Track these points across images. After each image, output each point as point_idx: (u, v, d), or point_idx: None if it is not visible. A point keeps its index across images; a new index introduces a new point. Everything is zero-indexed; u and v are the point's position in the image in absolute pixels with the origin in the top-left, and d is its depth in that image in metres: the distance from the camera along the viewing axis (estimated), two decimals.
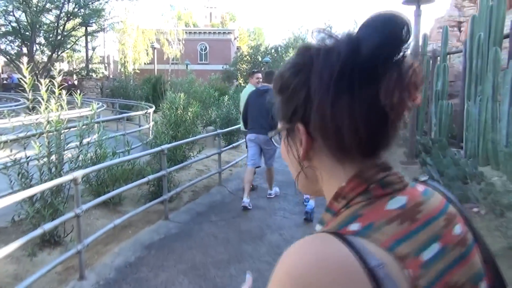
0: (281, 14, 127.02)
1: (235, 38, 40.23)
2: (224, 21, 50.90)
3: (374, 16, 0.55)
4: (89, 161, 4.77)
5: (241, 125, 6.26)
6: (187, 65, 28.83)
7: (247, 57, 33.65)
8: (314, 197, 4.94)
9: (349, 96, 0.53)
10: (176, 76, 17.65)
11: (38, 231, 2.78)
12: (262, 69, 33.05)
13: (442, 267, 0.52)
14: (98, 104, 11.48)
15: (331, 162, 0.59)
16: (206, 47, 38.07)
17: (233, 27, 41.42)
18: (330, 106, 0.54)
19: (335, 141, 0.56)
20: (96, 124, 5.29)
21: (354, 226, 0.52)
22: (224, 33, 37.21)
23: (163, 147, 4.68)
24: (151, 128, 8.54)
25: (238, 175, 7.17)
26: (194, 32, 37.51)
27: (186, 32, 33.15)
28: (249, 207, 5.31)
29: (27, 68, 3.86)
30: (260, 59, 32.17)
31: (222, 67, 32.54)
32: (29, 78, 3.80)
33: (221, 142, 7.22)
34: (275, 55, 32.02)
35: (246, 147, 6.32)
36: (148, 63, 29.16)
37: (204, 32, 37.96)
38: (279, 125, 0.65)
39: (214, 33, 37.54)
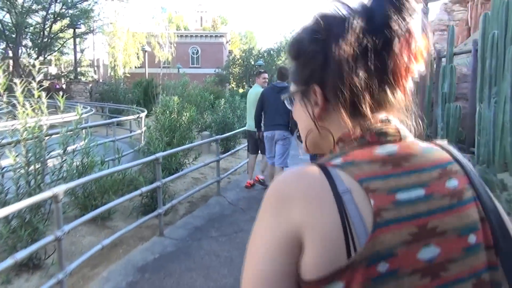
0: (272, 18, 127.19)
1: (227, 42, 39.80)
2: (215, 25, 50.44)
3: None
4: (74, 172, 4.27)
5: (247, 126, 6.38)
6: (178, 68, 28.34)
7: (240, 60, 33.25)
8: None
9: (364, 61, 0.61)
10: (165, 80, 17.17)
11: (9, 262, 2.28)
12: (262, 70, 32.50)
13: (421, 210, 0.57)
14: (86, 108, 10.95)
15: (340, 120, 0.65)
16: (198, 51, 37.55)
17: (225, 30, 40.99)
18: (348, 70, 0.61)
19: (349, 101, 0.63)
20: (83, 130, 4.80)
21: (337, 161, 0.61)
22: (216, 36, 36.74)
23: (157, 155, 4.20)
24: (143, 134, 8.03)
25: (237, 184, 6.70)
26: (186, 35, 36.99)
27: (177, 35, 32.62)
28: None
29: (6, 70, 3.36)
30: (252, 63, 31.80)
31: (214, 71, 32.05)
32: (3, 78, 3.30)
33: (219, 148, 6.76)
34: (268, 58, 31.68)
35: (248, 150, 6.57)
36: (139, 67, 28.57)
37: (196, 36, 37.47)
38: (293, 88, 0.73)
39: (206, 36, 37.06)
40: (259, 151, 6.28)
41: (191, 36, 37.34)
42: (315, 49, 0.66)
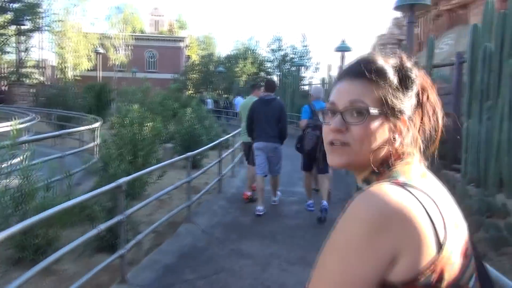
0: (231, 24, 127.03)
1: (185, 46, 38.66)
2: (172, 29, 49.04)
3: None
4: (9, 202, 3.31)
5: (242, 136, 6.55)
6: (134, 72, 26.93)
7: (199, 66, 32.27)
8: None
9: (439, 116, 0.86)
10: (123, 85, 15.91)
11: None
12: (215, 79, 32.06)
13: (448, 208, 0.75)
14: (28, 115, 9.64)
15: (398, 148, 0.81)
16: (155, 55, 36.12)
17: (184, 34, 39.80)
18: (430, 115, 0.86)
19: (416, 140, 0.84)
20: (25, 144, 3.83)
21: (401, 179, 0.74)
22: (174, 40, 35.52)
23: (120, 181, 3.33)
24: (96, 147, 6.99)
25: (209, 206, 5.88)
26: (142, 38, 35.42)
27: (133, 38, 31.10)
28: (272, 202, 5.95)
29: None
30: (212, 69, 30.93)
31: (172, 76, 30.90)
32: None
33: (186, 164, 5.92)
34: (228, 65, 30.97)
35: (246, 159, 6.65)
36: (91, 70, 26.78)
37: (153, 39, 36.04)
38: (374, 111, 0.78)
39: (163, 40, 35.72)
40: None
41: (148, 39, 35.87)
42: (415, 88, 0.83)
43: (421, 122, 0.84)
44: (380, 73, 0.80)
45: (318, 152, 5.27)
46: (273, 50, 31.93)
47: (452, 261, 0.69)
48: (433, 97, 0.85)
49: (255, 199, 5.91)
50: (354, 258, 0.65)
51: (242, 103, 6.71)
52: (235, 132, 8.95)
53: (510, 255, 3.84)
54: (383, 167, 0.79)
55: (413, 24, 6.29)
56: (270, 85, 5.85)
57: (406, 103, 0.81)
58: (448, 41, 32.05)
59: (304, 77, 26.48)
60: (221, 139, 7.02)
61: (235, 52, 33.31)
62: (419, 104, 0.83)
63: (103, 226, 3.15)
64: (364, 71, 0.79)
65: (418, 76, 0.83)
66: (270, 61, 32.60)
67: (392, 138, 0.79)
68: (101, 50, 22.60)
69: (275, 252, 4.28)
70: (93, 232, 3.06)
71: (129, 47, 27.13)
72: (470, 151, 5.96)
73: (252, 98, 6.35)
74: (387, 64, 0.81)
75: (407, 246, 0.65)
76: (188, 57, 40.15)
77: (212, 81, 31.88)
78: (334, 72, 16.90)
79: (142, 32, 39.79)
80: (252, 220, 5.41)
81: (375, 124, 0.78)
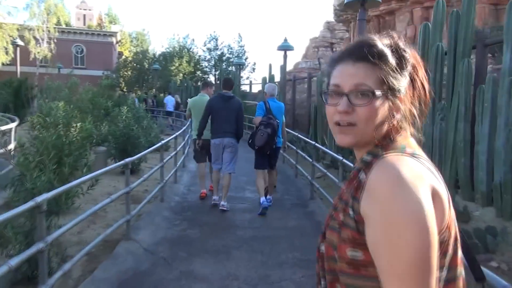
0: (165, 21, 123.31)
1: (117, 42, 36.42)
2: (102, 24, 46.16)
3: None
4: None
5: (193, 133, 6.39)
6: (59, 68, 24.75)
7: (132, 63, 30.54)
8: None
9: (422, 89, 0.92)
10: (45, 80, 14.29)
11: None
12: (150, 77, 30.55)
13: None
14: None
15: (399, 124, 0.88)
16: (82, 50, 33.50)
17: (115, 29, 37.43)
18: (424, 92, 0.91)
19: (411, 115, 0.89)
20: None
21: (409, 150, 0.82)
22: (104, 35, 33.20)
23: (39, 199, 2.57)
24: (10, 153, 5.89)
25: (151, 219, 5.16)
26: (69, 32, 32.69)
27: (58, 31, 28.58)
28: (221, 206, 5.64)
29: None
30: (147, 66, 29.44)
31: (103, 73, 28.90)
32: None
33: (120, 170, 5.15)
34: (164, 62, 29.69)
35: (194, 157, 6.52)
36: (8, 64, 24.12)
37: (81, 33, 33.41)
38: (378, 92, 0.83)
39: (93, 34, 33.22)
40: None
41: (75, 32, 33.20)
42: (409, 67, 0.88)
43: (412, 97, 0.88)
44: (381, 56, 0.84)
45: (269, 149, 5.53)
46: (209, 49, 31.26)
47: (453, 220, 0.81)
48: (422, 72, 0.90)
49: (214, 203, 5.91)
50: (423, 217, 0.70)
51: (192, 100, 6.69)
52: (178, 133, 8.26)
53: (482, 263, 3.68)
54: (385, 141, 0.85)
55: (364, 22, 6.09)
56: (228, 83, 5.98)
57: (403, 82, 0.86)
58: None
59: (241, 77, 26.12)
60: (164, 141, 6.31)
61: (170, 50, 32.08)
62: (411, 81, 0.88)
63: (15, 261, 2.38)
64: (367, 54, 0.83)
65: (411, 55, 0.88)
66: (206, 60, 31.87)
67: (391, 115, 0.85)
68: (20, 42, 20.30)
69: (232, 272, 3.73)
70: (2, 270, 2.28)
71: (53, 40, 24.81)
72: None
73: (203, 96, 6.48)
74: (386, 47, 0.85)
75: (435, 203, 0.74)
76: (120, 53, 37.94)
77: (147, 79, 30.38)
78: (276, 72, 16.70)
79: (67, 25, 36.85)
80: (202, 232, 4.81)
81: (378, 104, 0.84)
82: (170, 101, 20.25)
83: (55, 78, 14.53)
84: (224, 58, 30.63)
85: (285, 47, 12.65)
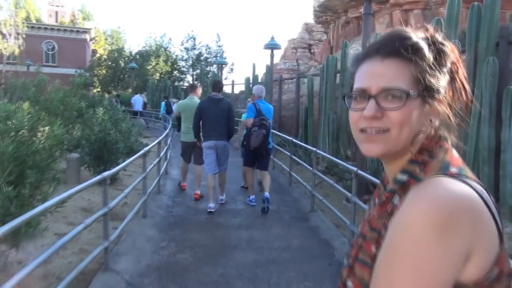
0: (142, 19, 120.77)
1: (91, 39, 34.89)
2: (75, 20, 44.34)
3: None
4: None
5: (183, 136, 6.54)
6: (28, 65, 23.32)
7: (107, 61, 29.25)
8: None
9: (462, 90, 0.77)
10: (14, 78, 13.15)
11: None
12: (126, 76, 29.28)
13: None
14: None
15: (434, 131, 0.74)
16: (54, 47, 31.80)
17: (89, 26, 35.83)
18: (463, 93, 0.76)
19: (450, 119, 0.74)
20: None
21: (454, 170, 0.68)
22: (78, 31, 31.63)
23: None
24: None
25: (133, 240, 4.40)
26: (39, 27, 30.96)
27: (28, 26, 26.99)
28: (220, 201, 5.95)
29: None
30: (123, 65, 28.24)
31: (76, 72, 27.50)
32: None
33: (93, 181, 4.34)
34: (141, 61, 28.58)
35: (184, 158, 6.66)
36: None
37: (52, 29, 31.72)
38: (413, 93, 0.70)
39: (65, 30, 31.57)
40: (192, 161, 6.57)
41: (46, 28, 31.50)
42: (448, 63, 0.73)
43: (452, 99, 0.75)
44: (416, 50, 0.71)
45: (264, 149, 5.59)
46: (187, 49, 30.38)
47: (507, 251, 0.66)
48: (462, 71, 0.76)
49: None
50: (427, 267, 0.58)
51: (181, 103, 6.78)
52: (161, 137, 7.50)
53: None
54: (423, 156, 0.72)
55: (370, 16, 5.53)
56: (217, 86, 5.99)
57: (442, 81, 0.73)
58: (357, 46, 33.71)
59: (225, 78, 25.44)
60: (147, 147, 5.54)
61: (147, 48, 30.99)
62: (451, 80, 0.74)
63: None
64: (399, 48, 0.71)
65: (450, 50, 0.74)
66: (184, 60, 30.98)
67: (428, 121, 0.72)
68: None
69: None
70: None
71: (22, 35, 23.33)
72: None
73: (192, 98, 6.51)
74: (421, 39, 0.73)
75: (479, 245, 0.61)
76: (95, 51, 36.42)
77: (122, 78, 29.18)
78: (260, 71, 16.07)
79: (38, 21, 35.11)
80: (194, 256, 4.10)
81: (413, 107, 0.71)
82: (137, 101, 19.29)
83: (23, 76, 13.41)
84: (202, 58, 29.80)
85: (272, 46, 12.02)
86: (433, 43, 0.73)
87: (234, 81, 18.95)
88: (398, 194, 0.72)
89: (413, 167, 0.72)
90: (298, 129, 11.69)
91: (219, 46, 30.57)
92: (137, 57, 28.86)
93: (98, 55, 32.24)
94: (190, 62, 30.47)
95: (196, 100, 6.41)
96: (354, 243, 0.81)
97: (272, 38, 12.07)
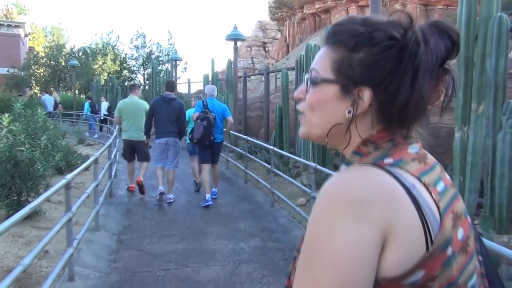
0: (86, 15, 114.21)
1: (26, 35, 31.29)
2: (9, 15, 40.08)
3: (440, 26, 0.68)
4: None
5: (128, 136, 6.52)
6: None
7: (45, 59, 26.20)
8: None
9: (422, 82, 0.64)
10: None
11: None
12: (68, 75, 26.44)
13: (448, 199, 0.66)
14: None
15: (370, 124, 0.68)
16: None
17: (23, 19, 32.14)
18: (411, 86, 0.64)
19: (397, 113, 0.65)
20: None
21: (388, 160, 0.65)
22: (8, 25, 27.94)
23: None
24: None
25: None
26: None
27: None
28: (168, 200, 6.04)
29: None
30: (63, 63, 25.40)
31: (8, 71, 24.35)
32: None
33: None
34: (84, 58, 25.85)
35: (126, 159, 6.77)
36: None
37: None
38: (330, 76, 0.69)
39: None
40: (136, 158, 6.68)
41: None
42: (388, 55, 0.65)
43: (400, 92, 0.66)
44: (340, 36, 0.69)
45: (206, 140, 5.71)
46: (136, 47, 28.03)
47: (447, 257, 0.61)
48: (422, 66, 0.65)
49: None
50: (336, 245, 0.56)
51: (123, 103, 6.74)
52: (103, 149, 5.71)
53: None
54: (367, 147, 0.69)
55: (378, 1, 4.19)
56: (170, 86, 6.39)
57: (371, 71, 0.66)
58: (314, 43, 33.05)
59: (178, 77, 23.41)
60: (72, 174, 3.70)
61: (93, 46, 28.26)
62: (401, 69, 0.65)
63: None
64: (325, 35, 0.73)
65: (406, 35, 0.65)
66: (133, 59, 28.58)
67: (347, 112, 0.68)
68: None
69: None
70: None
71: None
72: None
73: (133, 98, 6.65)
74: (362, 25, 0.67)
75: (394, 235, 0.58)
76: (32, 48, 32.86)
77: (64, 78, 26.28)
78: (219, 67, 14.44)
79: None
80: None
81: (323, 92, 0.70)
82: (48, 101, 17.07)
83: None
84: (153, 56, 27.59)
85: (235, 37, 10.40)
86: (376, 31, 0.66)
87: (190, 80, 17.08)
88: None
89: (356, 158, 0.70)
90: (269, 132, 10.19)
91: (170, 44, 28.50)
92: (80, 54, 26.10)
93: (35, 52, 28.93)
94: (141, 60, 28.18)
95: (136, 99, 6.67)
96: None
97: (235, 28, 10.46)
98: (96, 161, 4.65)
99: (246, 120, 12.06)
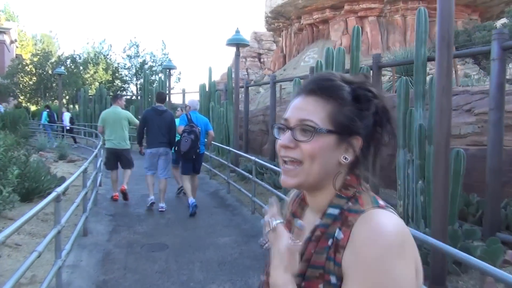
0: (79, 25, 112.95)
1: (12, 42, 29.90)
2: None
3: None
4: None
5: (112, 144, 6.81)
6: None
7: (31, 67, 24.84)
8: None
9: (395, 129, 0.82)
10: None
11: None
12: (54, 84, 25.06)
13: None
14: None
15: (348, 168, 0.81)
16: None
17: (9, 25, 30.76)
18: (387, 137, 0.81)
19: (373, 158, 0.82)
20: None
21: (381, 202, 0.77)
22: None
23: None
24: None
25: None
26: None
27: None
28: (160, 208, 6.20)
29: None
30: (50, 72, 24.07)
31: None
32: None
33: None
34: (73, 67, 24.55)
35: (108, 168, 7.03)
36: None
37: None
38: (321, 128, 0.77)
39: None
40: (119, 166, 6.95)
41: None
42: (371, 108, 0.79)
43: (374, 146, 0.81)
44: (333, 90, 0.79)
45: (193, 153, 6.02)
46: (129, 56, 26.86)
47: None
48: (389, 116, 0.81)
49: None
50: (407, 280, 0.68)
51: (105, 112, 6.95)
52: (79, 171, 4.44)
53: None
54: (348, 191, 0.79)
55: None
56: (161, 98, 6.50)
57: (361, 123, 0.79)
58: (312, 54, 31.99)
59: (172, 87, 22.22)
60: (56, 192, 2.46)
61: (84, 55, 27.03)
62: (376, 126, 0.81)
63: None
64: (317, 88, 0.79)
65: (378, 97, 0.81)
66: (126, 68, 27.36)
67: (343, 158, 0.78)
68: None
69: None
70: None
71: None
72: None
73: (115, 108, 6.91)
74: (346, 82, 0.80)
75: (419, 266, 0.73)
76: (19, 56, 31.50)
77: (51, 86, 24.92)
78: (216, 77, 13.22)
79: None
80: None
81: (325, 142, 0.77)
82: (65, 117, 16.18)
83: None
84: (146, 66, 26.41)
85: (238, 41, 9.21)
86: (357, 88, 0.79)
87: (185, 90, 15.84)
88: (338, 228, 0.75)
89: (342, 201, 0.78)
90: (274, 149, 8.97)
91: (164, 54, 27.38)
92: (67, 62, 24.79)
93: (21, 60, 27.57)
94: (134, 70, 26.98)
95: (119, 109, 6.87)
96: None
97: (237, 32, 9.30)
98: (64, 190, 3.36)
99: (248, 135, 10.83)
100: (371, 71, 5.48)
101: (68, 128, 15.64)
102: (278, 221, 0.77)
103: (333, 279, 0.71)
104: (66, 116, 16.02)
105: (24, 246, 4.25)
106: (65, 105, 24.88)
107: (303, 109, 0.78)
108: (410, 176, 4.61)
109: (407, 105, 4.74)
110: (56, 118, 16.20)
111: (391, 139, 0.81)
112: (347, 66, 6.02)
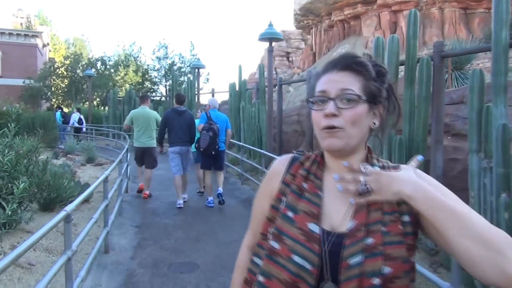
0: (110, 28, 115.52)
1: (44, 45, 30.38)
2: (31, 26, 39.68)
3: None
4: None
5: (140, 143, 7.19)
6: None
7: (62, 70, 25.05)
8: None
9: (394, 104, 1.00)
10: None
11: None
12: (85, 86, 25.19)
13: None
14: None
15: (369, 134, 0.96)
16: None
17: (42, 29, 31.25)
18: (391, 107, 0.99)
19: (388, 125, 0.98)
20: None
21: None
22: (26, 35, 26.97)
23: None
24: None
25: None
26: None
27: None
28: (182, 206, 6.45)
29: None
30: (81, 74, 24.19)
31: (24, 82, 23.30)
32: None
33: None
34: (103, 69, 24.60)
35: (138, 163, 7.39)
36: None
37: None
38: (363, 97, 0.90)
39: (10, 34, 26.70)
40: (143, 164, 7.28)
41: None
42: (386, 82, 0.96)
43: (387, 112, 0.96)
44: (364, 65, 0.92)
45: (212, 149, 6.23)
46: (158, 58, 26.80)
47: None
48: (395, 90, 0.98)
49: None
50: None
51: (135, 112, 7.24)
52: (101, 178, 3.89)
53: None
54: (374, 153, 0.97)
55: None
56: (180, 99, 6.79)
57: (383, 93, 0.94)
58: (343, 51, 30.91)
59: (200, 88, 21.81)
60: (65, 212, 1.96)
61: (115, 58, 27.16)
62: (388, 96, 0.96)
63: None
64: (351, 63, 0.92)
65: (388, 73, 0.97)
66: (155, 70, 27.30)
67: (372, 123, 0.93)
68: None
69: None
70: None
71: None
72: None
73: (144, 108, 7.23)
74: (366, 60, 0.94)
75: None
76: (52, 60, 32.07)
77: (82, 89, 25.08)
78: (246, 75, 12.59)
79: None
80: None
81: (362, 109, 0.90)
82: (73, 117, 16.18)
83: None
84: (175, 67, 26.23)
85: (271, 35, 8.55)
86: (375, 65, 0.95)
87: (214, 89, 15.32)
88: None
89: (372, 160, 0.96)
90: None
91: (193, 55, 27.12)
92: (97, 63, 24.86)
93: (53, 63, 27.93)
94: (163, 72, 26.89)
95: (147, 109, 7.22)
96: (361, 233, 0.87)
97: (271, 25, 8.63)
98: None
99: (281, 136, 10.14)
100: (432, 62, 4.66)
101: (75, 127, 15.72)
102: (371, 166, 0.91)
103: (406, 218, 0.86)
104: (75, 116, 16.07)
105: (38, 267, 3.74)
106: (96, 107, 24.96)
107: (342, 81, 0.91)
108: (487, 187, 3.80)
109: (483, 101, 3.93)
110: (70, 119, 16.37)
111: (395, 109, 0.97)
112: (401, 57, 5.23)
